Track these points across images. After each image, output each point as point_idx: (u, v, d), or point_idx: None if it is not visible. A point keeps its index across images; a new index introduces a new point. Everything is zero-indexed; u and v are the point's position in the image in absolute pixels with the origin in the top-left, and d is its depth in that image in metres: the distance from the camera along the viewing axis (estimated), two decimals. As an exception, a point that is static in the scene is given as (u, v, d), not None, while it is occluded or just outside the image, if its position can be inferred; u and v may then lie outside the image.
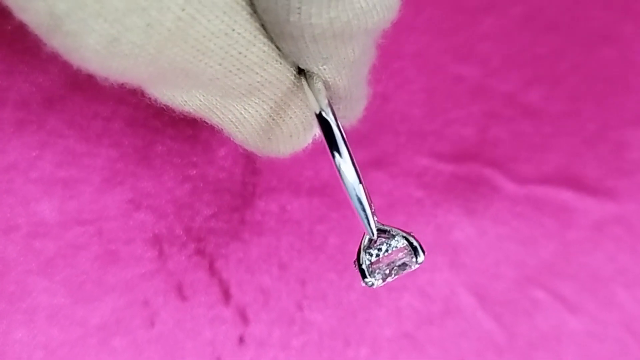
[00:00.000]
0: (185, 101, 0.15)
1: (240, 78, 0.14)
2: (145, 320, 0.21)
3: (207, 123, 0.22)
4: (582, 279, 0.24)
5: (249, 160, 0.22)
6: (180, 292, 0.22)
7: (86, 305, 0.21)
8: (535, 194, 0.24)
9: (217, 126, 0.16)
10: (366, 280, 0.17)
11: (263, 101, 0.16)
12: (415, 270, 0.23)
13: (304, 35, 0.13)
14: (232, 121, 0.16)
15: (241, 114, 0.16)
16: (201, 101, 0.15)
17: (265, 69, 0.14)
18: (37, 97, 0.21)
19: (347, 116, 0.18)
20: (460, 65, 0.24)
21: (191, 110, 0.16)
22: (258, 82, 0.15)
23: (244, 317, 0.22)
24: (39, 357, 0.21)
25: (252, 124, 0.16)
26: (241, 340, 0.22)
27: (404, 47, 0.24)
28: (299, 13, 0.13)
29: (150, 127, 0.22)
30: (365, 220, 0.16)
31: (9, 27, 0.21)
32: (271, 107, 0.16)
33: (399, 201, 0.23)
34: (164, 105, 0.16)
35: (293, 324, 0.22)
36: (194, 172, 0.22)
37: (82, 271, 0.21)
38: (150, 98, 0.15)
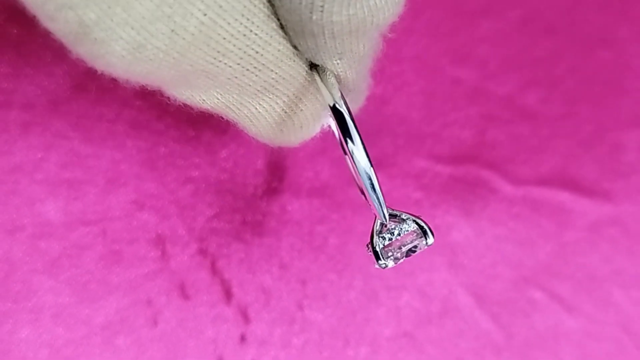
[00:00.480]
0: (204, 100, 0.16)
1: (256, 76, 0.15)
2: (148, 319, 0.22)
3: (209, 125, 0.22)
4: (579, 280, 0.24)
5: (250, 162, 0.23)
6: (183, 291, 0.22)
7: (91, 304, 0.21)
8: (533, 195, 0.24)
9: (233, 121, 0.17)
10: (380, 262, 0.17)
11: (277, 96, 0.16)
12: (414, 268, 0.23)
13: (324, 32, 0.14)
14: (247, 116, 0.17)
15: (256, 109, 0.17)
16: (218, 99, 0.16)
17: (279, 67, 0.15)
18: (43, 100, 0.21)
19: (352, 107, 0.18)
20: (459, 68, 0.24)
21: (209, 108, 0.17)
22: (273, 78, 0.15)
23: (245, 316, 0.22)
24: (44, 356, 0.21)
25: (266, 118, 0.17)
26: (243, 338, 0.22)
27: (402, 50, 0.24)
28: (322, 11, 0.14)
29: (153, 130, 0.22)
30: (378, 204, 0.17)
31: (15, 31, 0.21)
32: (284, 102, 0.17)
33: (398, 202, 0.23)
34: (173, 103, 0.16)
35: (294, 323, 0.22)
36: (197, 173, 0.22)
37: (87, 271, 0.21)
38: (168, 98, 0.16)
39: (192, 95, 0.16)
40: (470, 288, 0.23)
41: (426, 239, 0.18)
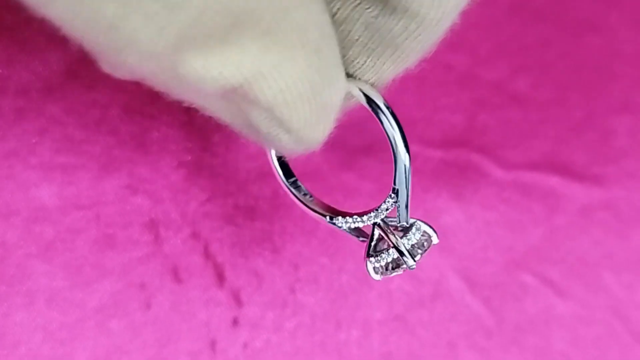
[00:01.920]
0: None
1: None
2: (141, 302, 0.22)
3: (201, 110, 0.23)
4: (570, 264, 0.24)
5: (243, 147, 0.23)
6: (176, 275, 0.22)
7: (84, 288, 0.21)
8: (523, 179, 0.24)
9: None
10: (410, 264, 0.18)
11: None
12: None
13: (401, 55, 0.15)
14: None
15: None
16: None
17: None
18: (37, 86, 0.21)
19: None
20: (450, 54, 0.24)
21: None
22: None
23: (237, 300, 0.22)
24: (38, 339, 0.21)
25: None
26: (235, 322, 0.22)
27: (394, 37, 0.24)
28: (415, 38, 0.15)
29: (146, 115, 0.22)
30: (405, 205, 0.18)
31: (9, 17, 0.21)
32: None
33: (389, 187, 0.24)
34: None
35: (286, 307, 0.23)
36: (189, 157, 0.22)
37: (81, 255, 0.22)
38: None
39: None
40: (461, 272, 0.24)
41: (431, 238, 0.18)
